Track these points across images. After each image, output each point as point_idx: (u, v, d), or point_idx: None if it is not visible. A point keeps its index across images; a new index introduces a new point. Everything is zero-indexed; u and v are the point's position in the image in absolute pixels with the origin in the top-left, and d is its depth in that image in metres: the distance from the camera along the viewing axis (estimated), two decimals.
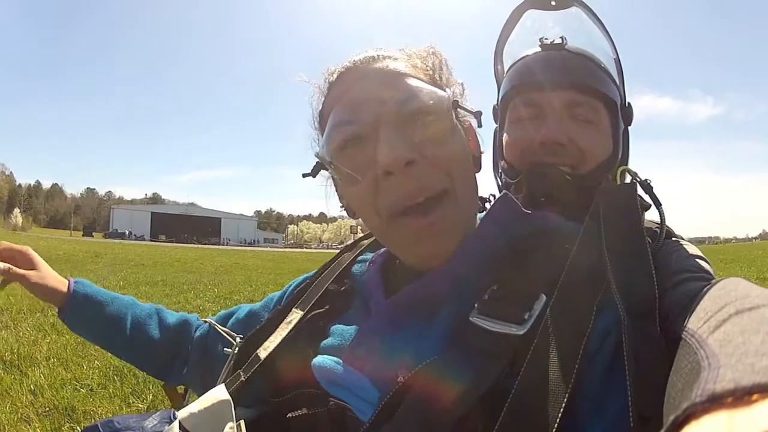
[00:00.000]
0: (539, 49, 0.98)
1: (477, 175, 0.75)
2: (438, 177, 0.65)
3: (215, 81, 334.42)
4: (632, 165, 0.96)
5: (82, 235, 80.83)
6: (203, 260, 19.88)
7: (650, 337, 0.51)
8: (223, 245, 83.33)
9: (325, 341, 0.71)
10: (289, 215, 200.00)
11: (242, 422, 0.66)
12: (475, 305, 0.60)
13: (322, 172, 0.74)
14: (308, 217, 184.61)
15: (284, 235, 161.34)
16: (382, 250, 0.81)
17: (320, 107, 0.74)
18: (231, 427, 0.65)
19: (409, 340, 0.62)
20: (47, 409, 3.19)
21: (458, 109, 0.70)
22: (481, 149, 0.78)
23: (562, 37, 0.97)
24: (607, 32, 1.00)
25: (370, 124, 0.64)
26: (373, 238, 0.90)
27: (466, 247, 0.66)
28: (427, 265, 0.67)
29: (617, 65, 1.00)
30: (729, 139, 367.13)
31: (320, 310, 0.79)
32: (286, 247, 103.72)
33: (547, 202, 0.87)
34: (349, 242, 0.98)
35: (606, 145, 0.93)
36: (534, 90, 0.93)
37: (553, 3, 1.02)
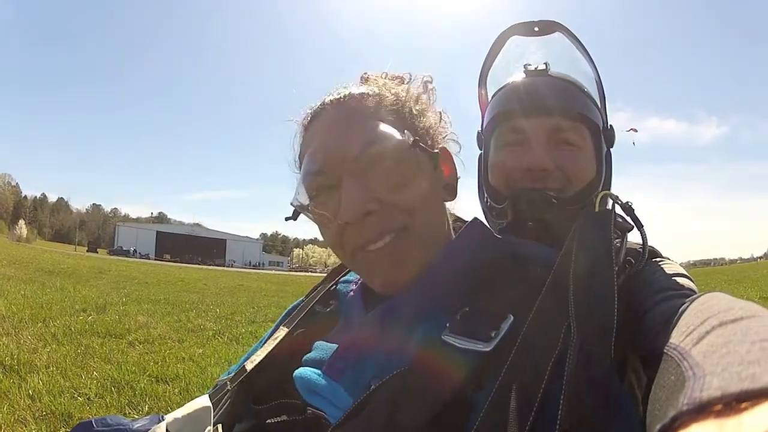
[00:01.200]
0: (523, 75, 1.01)
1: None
2: (398, 216, 0.69)
3: (226, 102, 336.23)
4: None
5: (87, 251, 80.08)
6: (207, 281, 19.78)
7: (598, 360, 0.52)
8: (228, 267, 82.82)
9: (308, 355, 0.75)
10: (294, 239, 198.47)
11: (219, 426, 0.72)
12: (447, 325, 0.62)
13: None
14: (314, 241, 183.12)
15: (289, 258, 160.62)
16: None
17: (299, 150, 0.80)
18: (209, 431, 0.70)
19: (384, 354, 0.65)
20: (44, 413, 3.22)
21: (426, 140, 0.75)
22: (458, 174, 0.82)
23: (545, 63, 1.00)
24: (588, 56, 1.03)
25: (335, 174, 0.69)
26: None
27: (434, 268, 0.70)
28: (387, 292, 0.71)
29: (599, 88, 1.02)
30: (735, 161, 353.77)
31: (305, 329, 0.82)
32: (291, 271, 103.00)
33: (534, 226, 0.89)
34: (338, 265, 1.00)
35: (590, 168, 0.95)
36: (519, 116, 0.95)
37: (536, 29, 1.06)
